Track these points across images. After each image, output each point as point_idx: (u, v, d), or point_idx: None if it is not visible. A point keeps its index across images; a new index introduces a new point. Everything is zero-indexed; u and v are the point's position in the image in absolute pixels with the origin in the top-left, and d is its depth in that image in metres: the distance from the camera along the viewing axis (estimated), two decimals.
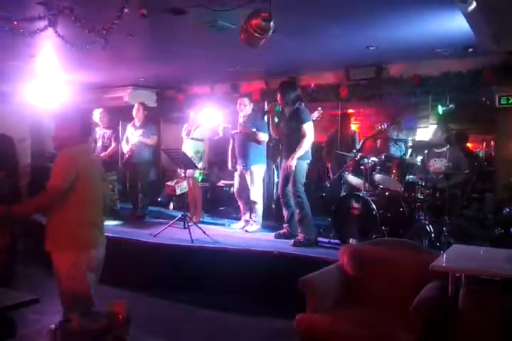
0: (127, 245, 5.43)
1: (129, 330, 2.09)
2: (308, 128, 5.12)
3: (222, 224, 6.46)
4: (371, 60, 6.04)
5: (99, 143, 7.04)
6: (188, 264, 5.04)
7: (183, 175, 6.52)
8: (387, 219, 4.86)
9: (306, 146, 5.10)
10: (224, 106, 7.37)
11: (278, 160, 7.18)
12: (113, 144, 6.91)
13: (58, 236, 2.78)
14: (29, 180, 8.03)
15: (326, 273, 3.53)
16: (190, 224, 5.57)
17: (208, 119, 6.98)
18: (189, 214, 6.24)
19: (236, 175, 6.23)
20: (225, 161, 6.52)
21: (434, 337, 2.87)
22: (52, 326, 2.06)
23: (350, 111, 8.05)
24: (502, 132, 5.77)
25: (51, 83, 7.57)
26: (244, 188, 6.13)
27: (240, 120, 6.05)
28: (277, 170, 7.37)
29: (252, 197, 6.01)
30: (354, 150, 5.91)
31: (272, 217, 6.76)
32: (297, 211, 5.20)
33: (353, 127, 8.32)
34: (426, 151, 5.33)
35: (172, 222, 5.66)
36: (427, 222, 4.86)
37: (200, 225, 5.78)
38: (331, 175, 7.38)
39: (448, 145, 5.32)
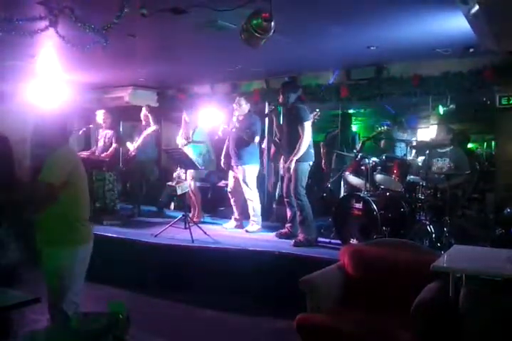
0: (128, 245, 5.43)
1: (129, 330, 2.09)
2: (307, 127, 5.12)
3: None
4: (372, 59, 6.04)
5: (101, 143, 7.05)
6: (188, 264, 5.04)
7: (183, 175, 6.52)
8: (388, 220, 4.85)
9: (304, 147, 5.11)
10: (224, 106, 7.36)
11: (281, 161, 7.19)
12: (114, 145, 6.93)
13: (54, 233, 2.80)
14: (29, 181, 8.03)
15: (326, 273, 3.53)
16: (190, 224, 5.57)
17: (207, 120, 6.96)
18: (190, 215, 6.25)
19: (230, 174, 6.24)
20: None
21: (435, 338, 2.86)
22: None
23: (351, 111, 8.05)
24: (503, 132, 5.76)
25: (52, 83, 7.56)
26: (238, 187, 6.13)
27: (234, 119, 6.05)
28: (278, 170, 7.38)
29: (247, 196, 6.01)
30: (355, 151, 5.91)
31: (273, 217, 6.77)
32: (298, 213, 5.20)
33: (354, 127, 8.32)
34: (427, 151, 5.33)
35: (173, 222, 5.66)
36: (427, 223, 4.86)
37: (200, 225, 5.78)
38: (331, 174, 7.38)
39: (452, 146, 5.32)
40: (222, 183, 7.42)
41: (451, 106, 6.20)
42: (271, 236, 5.68)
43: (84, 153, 6.95)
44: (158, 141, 7.24)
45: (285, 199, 5.49)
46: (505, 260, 2.99)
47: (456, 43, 5.08)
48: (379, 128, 6.13)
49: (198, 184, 6.83)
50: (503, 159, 5.67)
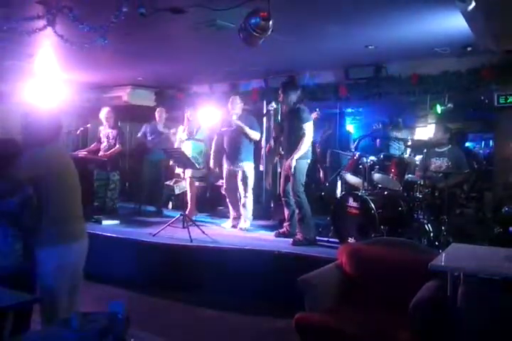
0: (126, 244, 5.43)
1: (128, 330, 2.09)
2: (308, 127, 5.14)
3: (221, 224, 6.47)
4: (370, 59, 6.04)
5: (105, 143, 7.04)
6: (187, 264, 5.04)
7: (182, 175, 6.53)
8: (386, 219, 4.85)
9: (305, 146, 5.12)
10: (223, 105, 7.37)
11: (276, 160, 7.20)
12: (117, 146, 6.93)
13: (45, 232, 2.76)
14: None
15: (324, 272, 3.53)
16: (189, 223, 5.57)
17: (208, 119, 6.97)
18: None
19: (225, 173, 6.23)
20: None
21: (433, 337, 2.87)
22: None
23: (349, 110, 8.06)
24: (501, 131, 5.77)
25: (50, 82, 7.55)
26: (234, 186, 6.13)
27: (234, 118, 6.05)
28: (276, 169, 7.39)
29: (245, 195, 6.02)
30: (352, 150, 5.92)
31: (271, 216, 6.77)
32: (297, 211, 5.21)
33: (349, 127, 8.34)
34: (425, 150, 5.34)
35: (171, 221, 5.66)
36: (425, 221, 4.86)
37: (198, 224, 5.78)
38: (321, 174, 7.41)
39: (449, 145, 5.33)
40: (220, 182, 7.42)
41: (449, 105, 6.20)
42: (270, 235, 5.68)
43: (82, 152, 6.95)
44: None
45: (283, 199, 5.50)
46: (503, 259, 3.00)
47: (455, 42, 5.08)
48: (374, 127, 6.14)
49: (196, 183, 6.85)
50: (501, 158, 5.68)
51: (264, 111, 6.76)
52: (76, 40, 4.17)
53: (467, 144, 7.52)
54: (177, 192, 7.21)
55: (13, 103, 7.71)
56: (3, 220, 2.76)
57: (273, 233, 5.68)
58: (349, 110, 8.12)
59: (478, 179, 6.18)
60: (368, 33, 4.90)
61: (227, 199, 6.34)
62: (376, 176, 5.31)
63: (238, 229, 6.02)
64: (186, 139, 6.58)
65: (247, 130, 5.94)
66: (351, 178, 5.60)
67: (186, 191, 6.83)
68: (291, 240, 5.16)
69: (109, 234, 5.64)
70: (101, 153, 7.00)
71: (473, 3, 3.46)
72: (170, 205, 7.96)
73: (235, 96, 6.32)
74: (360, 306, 3.26)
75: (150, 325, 3.76)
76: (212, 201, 7.39)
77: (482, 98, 6.19)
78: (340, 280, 3.51)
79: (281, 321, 3.83)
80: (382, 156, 5.36)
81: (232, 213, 6.34)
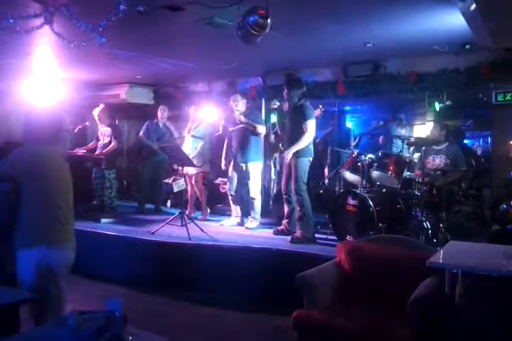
0: (125, 243, 5.43)
1: (126, 328, 2.09)
2: (311, 125, 5.14)
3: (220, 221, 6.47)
4: (368, 56, 6.04)
5: (101, 141, 7.03)
6: (185, 262, 5.04)
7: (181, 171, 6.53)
8: (384, 216, 4.86)
9: (305, 142, 5.12)
10: (221, 103, 7.37)
11: (276, 157, 7.21)
12: (113, 143, 6.91)
13: (19, 233, 2.74)
14: None
15: (323, 269, 3.53)
16: (187, 221, 5.57)
17: (208, 116, 6.98)
18: (186, 212, 6.26)
19: (231, 172, 6.23)
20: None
21: (431, 334, 2.87)
22: None
23: (347, 108, 8.06)
24: (499, 129, 5.77)
25: (48, 81, 7.54)
26: (241, 185, 6.13)
27: (237, 114, 6.04)
28: (274, 166, 7.39)
29: (251, 194, 6.02)
30: (351, 147, 5.92)
31: (270, 214, 6.78)
32: (298, 208, 5.21)
33: (349, 124, 8.34)
34: (423, 148, 5.34)
35: (169, 219, 5.66)
36: (424, 219, 4.87)
37: (197, 222, 5.78)
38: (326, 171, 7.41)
39: (447, 143, 5.34)
40: (219, 181, 7.43)
41: (448, 102, 6.20)
42: (268, 232, 5.69)
43: (81, 151, 6.94)
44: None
45: (284, 196, 5.50)
46: (501, 256, 3.00)
47: (453, 40, 5.09)
48: (375, 124, 6.14)
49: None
50: (499, 155, 5.68)
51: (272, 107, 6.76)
52: (74, 39, 4.16)
53: (465, 142, 7.52)
54: (176, 190, 7.22)
55: (11, 101, 7.71)
56: None
57: (272, 230, 5.68)
58: (347, 108, 8.12)
59: (476, 176, 6.19)
60: (366, 31, 4.89)
61: (231, 198, 6.33)
62: (374, 174, 5.31)
63: (244, 228, 6.03)
64: (186, 136, 6.60)
65: (253, 124, 5.92)
66: (350, 176, 5.61)
67: (185, 189, 6.83)
68: (289, 238, 5.17)
69: (107, 232, 5.64)
70: (97, 152, 6.99)
71: (474, 3, 3.46)
72: (168, 203, 7.96)
73: (235, 94, 6.32)
74: (359, 303, 3.27)
75: (148, 323, 3.76)
76: (210, 199, 7.38)
77: (480, 96, 6.20)
78: (338, 277, 3.52)
79: (280, 318, 3.84)
80: (380, 154, 5.36)
81: (234, 212, 6.33)
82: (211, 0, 3.80)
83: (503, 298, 2.78)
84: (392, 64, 6.24)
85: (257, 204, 6.08)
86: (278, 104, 5.68)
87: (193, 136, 6.55)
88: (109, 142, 6.92)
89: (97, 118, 6.98)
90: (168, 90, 8.66)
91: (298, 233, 5.13)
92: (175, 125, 7.45)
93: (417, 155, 5.75)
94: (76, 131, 7.44)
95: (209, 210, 6.89)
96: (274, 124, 7.10)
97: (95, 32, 3.91)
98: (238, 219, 6.29)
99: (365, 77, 6.36)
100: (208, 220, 6.58)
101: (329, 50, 5.75)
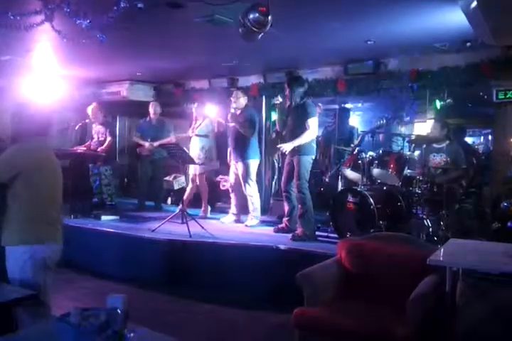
0: (125, 240, 5.44)
1: (127, 325, 2.09)
2: (313, 123, 5.14)
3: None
4: (369, 54, 6.03)
5: (95, 139, 7.03)
6: (186, 259, 5.05)
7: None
8: (385, 214, 4.87)
9: (306, 138, 5.12)
10: (222, 101, 7.36)
11: (277, 155, 7.20)
12: (108, 138, 6.88)
13: (12, 231, 2.74)
14: None
15: (323, 267, 3.54)
16: (188, 219, 5.57)
17: (209, 114, 6.97)
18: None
19: (231, 169, 6.24)
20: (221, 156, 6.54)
21: (431, 331, 2.88)
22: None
23: (349, 105, 8.04)
24: (499, 126, 5.76)
25: (48, 78, 7.53)
26: (239, 182, 6.13)
27: (232, 110, 6.04)
28: (278, 164, 7.38)
29: (247, 192, 6.02)
30: (352, 145, 5.91)
31: (271, 212, 6.78)
32: (299, 206, 5.21)
33: (352, 122, 8.31)
34: (424, 146, 5.33)
35: (170, 216, 5.66)
36: (424, 217, 4.88)
37: (198, 220, 5.78)
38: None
39: (448, 141, 5.33)
40: (219, 178, 7.43)
41: (449, 100, 6.19)
42: (269, 230, 5.69)
43: (81, 148, 6.93)
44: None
45: (283, 193, 5.50)
46: (501, 254, 3.00)
47: (454, 37, 5.07)
48: (378, 122, 6.12)
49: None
50: (500, 153, 5.67)
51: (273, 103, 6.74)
52: (74, 36, 4.15)
53: (466, 139, 7.52)
54: (176, 187, 7.23)
55: (11, 98, 7.70)
56: None
57: (272, 228, 5.69)
58: (348, 106, 8.10)
59: (477, 174, 6.18)
60: (367, 28, 4.88)
61: (232, 195, 6.33)
62: (375, 171, 5.31)
63: (244, 225, 6.03)
64: (191, 135, 6.58)
65: (242, 127, 5.91)
66: (350, 174, 5.61)
67: (185, 187, 6.83)
68: (290, 235, 5.17)
69: (107, 229, 5.64)
70: (92, 148, 6.99)
71: (475, 1, 3.44)
72: (169, 201, 7.96)
73: (236, 90, 6.31)
74: (359, 301, 3.27)
75: (149, 320, 3.77)
76: (211, 196, 7.40)
77: (481, 93, 6.19)
78: (339, 275, 3.52)
79: (281, 316, 3.84)
80: (381, 152, 5.36)
81: (233, 208, 6.34)
82: None
83: (503, 296, 2.78)
84: (393, 62, 6.23)
85: (256, 201, 6.07)
86: (280, 100, 5.65)
87: (197, 135, 6.54)
88: (104, 140, 6.90)
89: (92, 116, 6.97)
90: (168, 87, 8.66)
91: (299, 230, 5.13)
92: (175, 122, 7.44)
93: (417, 153, 5.75)
94: (77, 128, 7.45)
95: (210, 208, 6.89)
96: (274, 122, 7.08)
97: (95, 29, 3.90)
98: (235, 217, 6.29)
99: (366, 75, 6.36)
100: (208, 218, 6.58)
101: (330, 48, 5.73)
